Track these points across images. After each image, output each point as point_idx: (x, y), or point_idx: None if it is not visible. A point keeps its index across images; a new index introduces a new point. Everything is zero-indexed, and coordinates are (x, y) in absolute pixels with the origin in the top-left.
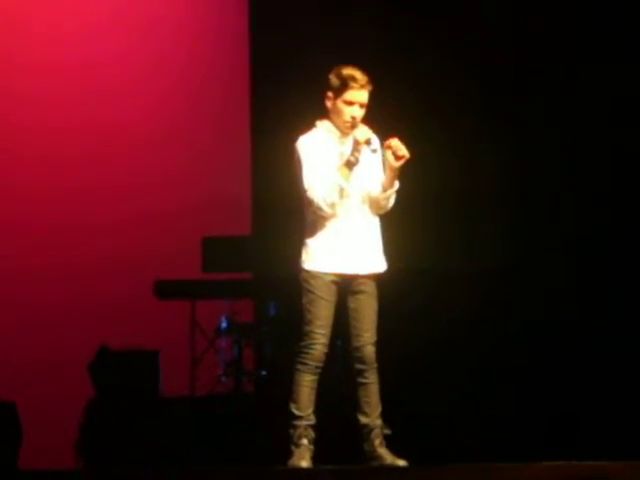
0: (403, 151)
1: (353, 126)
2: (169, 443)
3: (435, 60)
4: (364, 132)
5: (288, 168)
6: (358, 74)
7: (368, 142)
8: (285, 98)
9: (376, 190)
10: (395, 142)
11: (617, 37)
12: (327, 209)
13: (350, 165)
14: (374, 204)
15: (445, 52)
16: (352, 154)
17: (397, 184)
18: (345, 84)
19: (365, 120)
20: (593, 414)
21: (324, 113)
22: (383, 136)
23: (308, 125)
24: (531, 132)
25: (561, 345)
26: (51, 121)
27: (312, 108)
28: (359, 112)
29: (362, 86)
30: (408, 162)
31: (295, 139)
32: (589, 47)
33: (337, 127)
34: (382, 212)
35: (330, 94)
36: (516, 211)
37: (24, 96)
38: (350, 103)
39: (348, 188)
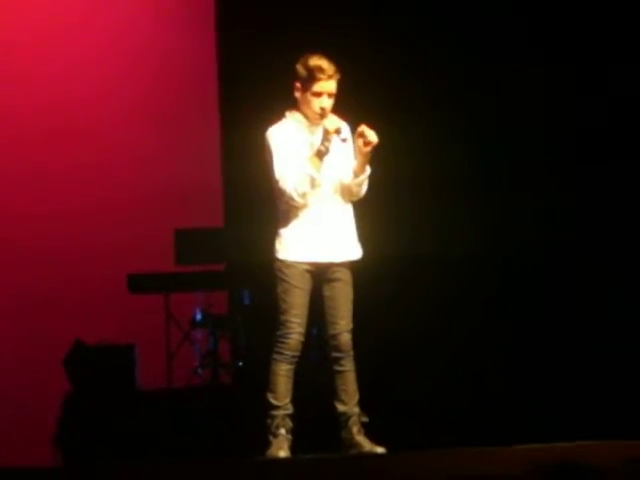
0: (371, 137)
1: (322, 116)
2: (147, 436)
3: (406, 47)
4: (334, 122)
5: (259, 158)
6: (325, 64)
7: (338, 131)
8: (255, 87)
9: (348, 177)
10: (363, 128)
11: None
12: (299, 199)
13: (320, 155)
14: (346, 191)
15: (416, 41)
16: (322, 144)
17: (368, 169)
18: (312, 75)
19: (335, 109)
20: (571, 396)
21: (294, 102)
22: (354, 124)
23: (278, 115)
24: (503, 117)
25: (537, 329)
26: (16, 104)
27: (282, 97)
28: (328, 102)
29: (330, 76)
30: (378, 148)
31: (265, 129)
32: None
33: (306, 117)
34: (355, 199)
35: (298, 85)
36: (489, 197)
37: None
38: (318, 94)
39: (319, 178)
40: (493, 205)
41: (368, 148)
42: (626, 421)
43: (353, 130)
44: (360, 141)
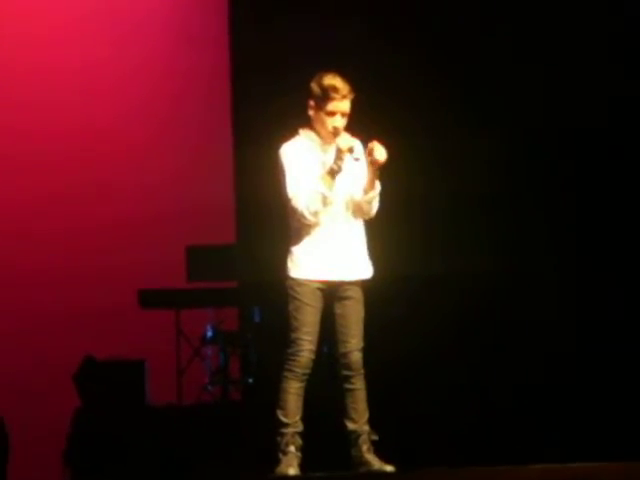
0: (378, 155)
1: (335, 135)
2: (157, 452)
3: (418, 63)
4: (347, 140)
5: (271, 175)
6: (339, 84)
7: (351, 150)
8: (268, 105)
9: (359, 194)
10: (373, 144)
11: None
12: (310, 218)
13: (333, 173)
14: (357, 209)
15: (429, 56)
16: (335, 162)
17: (378, 186)
18: (326, 94)
19: (348, 126)
20: (585, 416)
21: (307, 120)
22: (366, 141)
23: (291, 132)
24: (516, 135)
25: (550, 347)
26: (33, 126)
27: (295, 115)
28: (341, 122)
29: (344, 96)
30: (389, 165)
31: (278, 146)
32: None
33: (320, 135)
34: (366, 217)
35: (312, 103)
36: (501, 215)
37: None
38: (332, 113)
39: (331, 196)
40: (504, 223)
41: (376, 165)
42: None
43: (365, 147)
44: (369, 157)
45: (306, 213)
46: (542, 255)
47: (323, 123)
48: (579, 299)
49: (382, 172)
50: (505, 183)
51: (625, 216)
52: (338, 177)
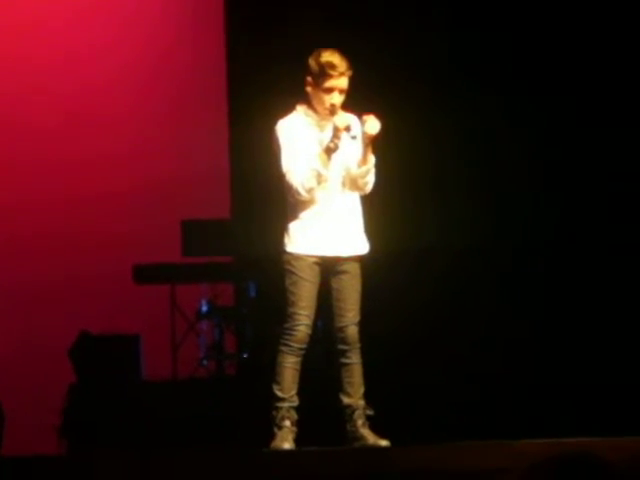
0: (369, 128)
1: (332, 113)
2: (151, 427)
3: (411, 40)
4: (344, 119)
5: (267, 150)
6: (337, 60)
7: (348, 129)
8: (264, 79)
9: (354, 169)
10: (366, 117)
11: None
12: (305, 194)
13: (329, 152)
14: (353, 184)
15: (420, 34)
16: (332, 140)
17: (372, 160)
18: (324, 71)
19: (344, 103)
20: (579, 391)
21: (304, 96)
22: (361, 115)
23: (287, 108)
24: (504, 110)
25: (545, 320)
26: (23, 98)
27: (292, 91)
28: (338, 99)
29: (341, 73)
30: (383, 140)
31: (274, 121)
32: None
33: (316, 112)
34: (362, 192)
35: (309, 79)
36: (494, 187)
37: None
38: (329, 90)
39: (326, 174)
40: (498, 195)
41: (369, 138)
42: (633, 419)
43: (361, 122)
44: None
45: (301, 189)
46: (536, 228)
47: (320, 100)
48: (572, 272)
49: (376, 146)
50: (501, 155)
51: (612, 196)
52: (334, 154)
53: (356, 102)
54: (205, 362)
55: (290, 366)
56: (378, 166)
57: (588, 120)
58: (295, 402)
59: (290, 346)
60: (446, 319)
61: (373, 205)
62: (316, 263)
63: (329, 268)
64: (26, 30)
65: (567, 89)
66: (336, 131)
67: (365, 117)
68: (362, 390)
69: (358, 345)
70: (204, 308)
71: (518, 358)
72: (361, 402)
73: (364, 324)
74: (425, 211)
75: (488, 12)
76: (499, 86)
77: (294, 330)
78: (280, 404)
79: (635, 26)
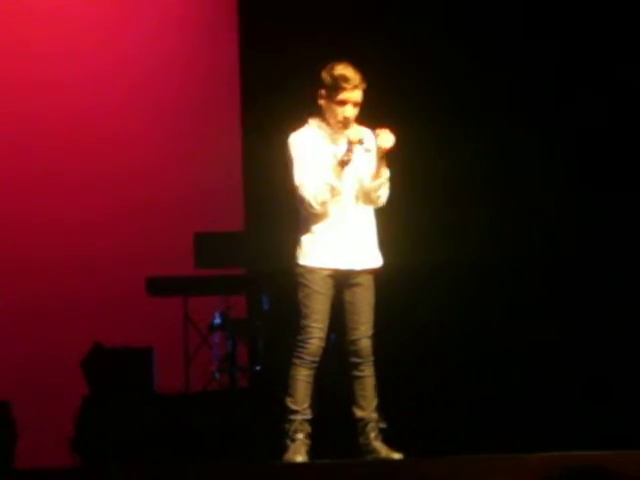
0: (382, 142)
1: (346, 126)
2: (164, 439)
3: (422, 53)
4: (357, 132)
5: (280, 163)
6: (351, 73)
7: (361, 142)
8: (277, 92)
9: (367, 182)
10: (380, 131)
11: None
12: (318, 207)
13: (343, 165)
14: (367, 197)
15: (430, 46)
16: (345, 154)
17: (386, 174)
18: (337, 84)
19: (358, 116)
20: (588, 404)
21: (317, 109)
22: (374, 128)
23: (300, 121)
24: (521, 125)
25: (556, 334)
26: (39, 112)
27: (305, 103)
28: (352, 112)
29: (355, 86)
30: (397, 153)
31: (287, 134)
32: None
33: (329, 125)
34: (376, 205)
35: (323, 92)
36: (505, 202)
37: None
38: (343, 103)
39: (339, 187)
40: (513, 210)
41: (383, 151)
42: None
43: (374, 135)
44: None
45: (313, 202)
46: (551, 243)
47: (333, 113)
48: (584, 288)
49: (390, 159)
50: (511, 170)
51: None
52: (348, 167)
53: (370, 115)
54: (218, 375)
55: (303, 379)
56: (392, 180)
57: (608, 130)
58: (308, 415)
59: (303, 359)
60: (459, 333)
61: (387, 219)
62: (329, 276)
63: (342, 281)
64: (39, 48)
65: (586, 95)
66: (349, 144)
67: (378, 131)
68: (375, 403)
69: (371, 358)
70: (217, 320)
71: (532, 371)
72: (374, 415)
73: (377, 337)
74: (439, 225)
75: (500, 19)
76: (515, 99)
77: (307, 343)
78: (293, 417)
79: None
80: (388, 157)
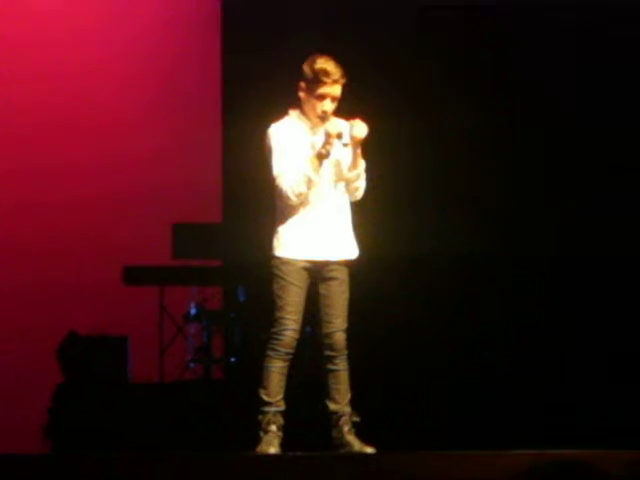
0: (356, 132)
1: (324, 119)
2: (137, 429)
3: (407, 43)
4: (336, 125)
5: (259, 155)
6: (331, 67)
7: (340, 136)
8: (257, 84)
9: (345, 173)
10: (353, 122)
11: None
12: (294, 199)
13: (321, 157)
14: (345, 188)
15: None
16: (323, 146)
17: (362, 165)
18: (317, 78)
19: (337, 110)
20: (570, 402)
21: (297, 101)
22: (351, 118)
23: (279, 112)
24: (503, 115)
25: (538, 330)
26: (17, 101)
27: (285, 95)
28: (330, 106)
29: (335, 81)
30: (371, 144)
31: (266, 126)
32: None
33: (309, 117)
34: (354, 197)
35: (303, 85)
36: (488, 194)
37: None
38: (322, 97)
39: (317, 179)
40: (496, 202)
41: (356, 142)
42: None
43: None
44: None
45: (290, 194)
46: (535, 236)
47: (312, 106)
48: (568, 280)
49: (365, 150)
50: (495, 160)
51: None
52: (325, 160)
53: (351, 107)
54: (192, 365)
55: (277, 370)
56: (373, 171)
57: (590, 121)
58: (281, 407)
59: (277, 350)
60: (435, 327)
61: (367, 211)
62: (304, 268)
63: (317, 273)
64: (30, 38)
65: (568, 93)
66: (328, 137)
67: (352, 121)
68: (348, 397)
69: (345, 352)
70: (193, 311)
71: (512, 367)
72: (347, 409)
73: (352, 331)
74: (420, 218)
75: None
76: (498, 90)
77: (281, 335)
78: (266, 408)
79: None
80: (362, 147)
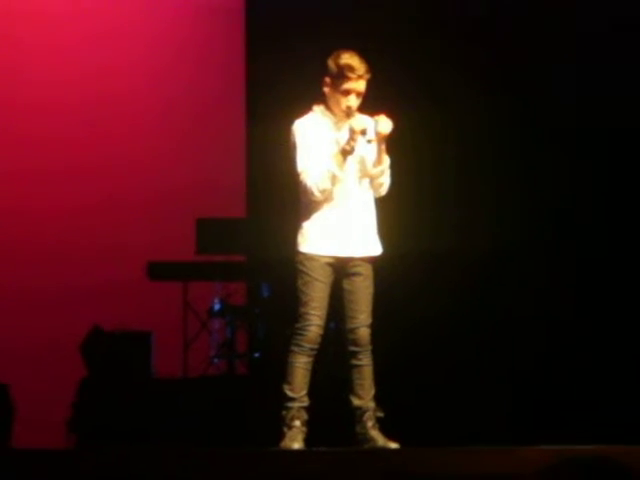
0: (381, 127)
1: (348, 115)
2: (161, 424)
3: (431, 41)
4: (361, 122)
5: (283, 151)
6: (356, 63)
7: (364, 132)
8: (281, 79)
9: (370, 170)
10: (378, 118)
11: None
12: (319, 195)
13: (345, 154)
14: (370, 185)
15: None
16: (348, 143)
17: (387, 161)
18: (342, 73)
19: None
20: (586, 398)
21: (322, 96)
22: (375, 114)
23: (304, 108)
24: (527, 110)
25: (556, 327)
26: (44, 100)
27: (310, 91)
28: (355, 102)
29: (359, 76)
30: (397, 140)
31: (291, 121)
32: None
33: (333, 113)
34: (378, 193)
35: (327, 80)
36: (510, 192)
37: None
38: (347, 92)
39: (341, 175)
40: (519, 200)
41: (381, 137)
42: None
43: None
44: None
45: (315, 190)
46: (557, 233)
47: (337, 102)
48: (592, 278)
49: (389, 146)
50: (516, 161)
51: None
52: (350, 156)
53: (376, 102)
54: (216, 360)
55: (301, 366)
56: (397, 168)
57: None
58: (305, 402)
59: (301, 346)
60: (459, 323)
61: (391, 207)
62: (329, 264)
63: (342, 269)
64: (52, 42)
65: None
66: (352, 134)
67: (377, 117)
68: (372, 392)
69: (369, 347)
70: (216, 306)
71: (535, 361)
72: (371, 404)
73: (376, 326)
74: (443, 214)
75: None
76: (518, 85)
77: (305, 330)
78: (290, 404)
79: None
80: (387, 143)
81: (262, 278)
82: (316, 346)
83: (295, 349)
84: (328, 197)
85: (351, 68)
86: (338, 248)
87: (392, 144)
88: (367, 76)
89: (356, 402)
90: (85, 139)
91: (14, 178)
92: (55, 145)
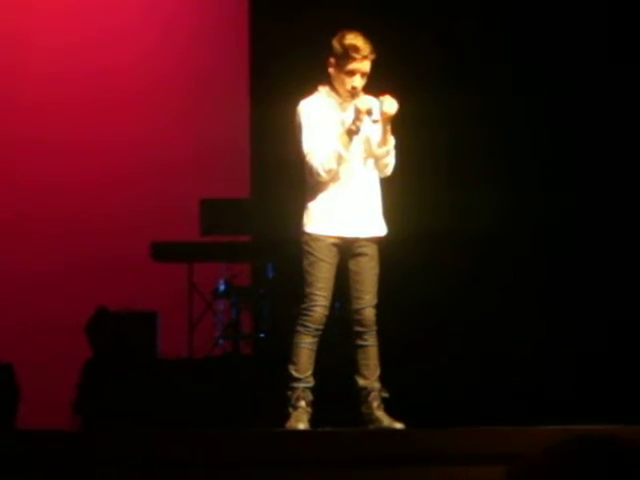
0: (386, 108)
1: (353, 95)
2: (166, 404)
3: (431, 29)
4: (366, 102)
5: (288, 130)
6: (361, 43)
7: (369, 112)
8: (287, 59)
9: (375, 150)
10: (383, 98)
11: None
12: (325, 175)
13: (351, 134)
14: (375, 165)
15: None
16: (353, 123)
17: (392, 141)
18: (347, 54)
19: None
20: (592, 379)
21: (327, 76)
22: (379, 95)
23: (309, 88)
24: (526, 94)
25: (563, 305)
26: (46, 75)
27: (315, 71)
28: (360, 82)
29: (364, 57)
30: (401, 121)
31: (295, 101)
32: None
33: (338, 93)
34: (383, 174)
35: (332, 60)
36: (509, 173)
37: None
38: (351, 73)
39: (347, 155)
40: (517, 181)
41: (386, 118)
42: None
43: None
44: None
45: (320, 170)
46: (555, 216)
47: (342, 82)
48: (590, 261)
49: (394, 126)
50: (516, 142)
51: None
52: (356, 137)
53: (376, 83)
54: (221, 341)
55: (306, 346)
56: (399, 148)
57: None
58: (311, 383)
59: (307, 326)
60: (462, 303)
61: (392, 188)
62: (334, 244)
63: (347, 250)
64: (65, 38)
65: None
66: (358, 114)
67: (382, 97)
68: (378, 372)
69: (375, 327)
70: (221, 287)
71: (536, 341)
72: (376, 384)
73: (381, 307)
74: (443, 196)
75: None
76: (520, 69)
77: (311, 311)
78: (296, 384)
79: None
80: (392, 124)
81: (267, 259)
82: (321, 327)
83: (300, 329)
84: (334, 177)
85: (356, 48)
86: (344, 228)
87: (395, 125)
88: (372, 56)
89: (361, 382)
90: (87, 117)
91: (14, 153)
92: (55, 121)
